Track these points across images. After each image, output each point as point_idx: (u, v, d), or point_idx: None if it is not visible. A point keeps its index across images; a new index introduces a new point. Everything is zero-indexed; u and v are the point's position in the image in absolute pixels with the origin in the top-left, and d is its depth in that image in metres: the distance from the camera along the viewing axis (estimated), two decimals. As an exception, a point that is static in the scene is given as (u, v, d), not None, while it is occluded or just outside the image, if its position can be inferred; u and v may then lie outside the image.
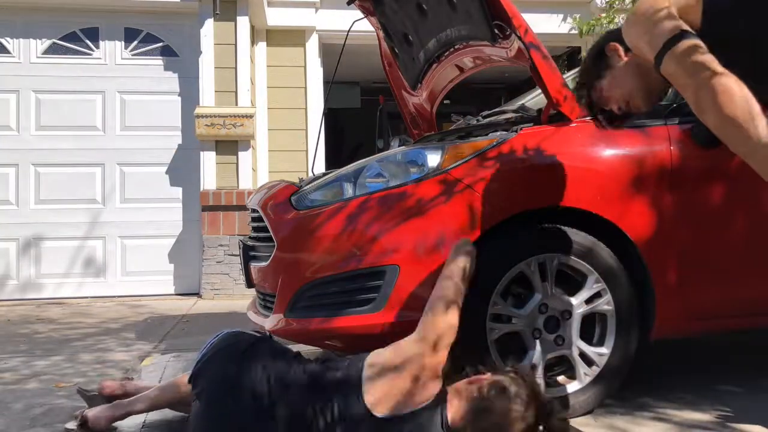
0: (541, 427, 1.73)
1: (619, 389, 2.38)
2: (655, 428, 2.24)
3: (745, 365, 3.07)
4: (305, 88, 6.56)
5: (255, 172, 6.20)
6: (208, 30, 5.80)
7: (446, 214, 2.22)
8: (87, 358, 3.46)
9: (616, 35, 1.85)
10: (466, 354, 1.96)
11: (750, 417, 2.29)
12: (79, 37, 5.94)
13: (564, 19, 6.79)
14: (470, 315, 2.06)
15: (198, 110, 5.66)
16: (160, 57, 6.01)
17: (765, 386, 2.67)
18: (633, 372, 2.38)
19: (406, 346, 1.80)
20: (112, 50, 5.96)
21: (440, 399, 1.73)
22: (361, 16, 3.33)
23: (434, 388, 1.74)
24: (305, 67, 6.57)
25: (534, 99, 3.19)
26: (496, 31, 2.55)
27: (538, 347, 2.26)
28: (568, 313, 2.28)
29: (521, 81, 8.93)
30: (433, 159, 2.31)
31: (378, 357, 1.80)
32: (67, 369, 3.24)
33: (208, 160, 5.75)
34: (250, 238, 2.90)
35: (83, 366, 3.29)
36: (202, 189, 5.72)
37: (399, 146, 3.51)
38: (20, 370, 3.23)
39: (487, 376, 1.78)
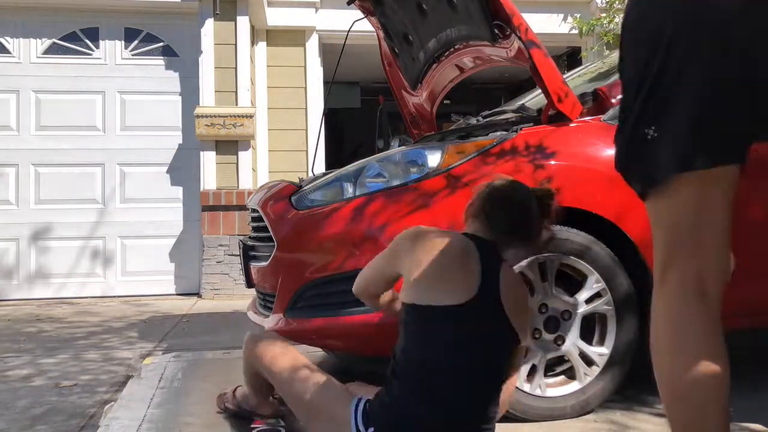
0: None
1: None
2: (654, 424, 2.25)
3: (745, 365, 3.07)
4: (305, 88, 6.56)
5: (255, 172, 6.20)
6: (208, 30, 5.80)
7: (447, 213, 2.22)
8: (90, 356, 3.46)
9: None
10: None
11: (749, 416, 2.29)
12: (79, 37, 5.94)
13: (564, 19, 6.79)
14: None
15: (198, 110, 5.66)
16: (160, 57, 6.01)
17: (765, 386, 2.68)
18: (633, 369, 2.39)
19: None
20: (112, 50, 5.96)
21: None
22: (361, 16, 3.34)
23: None
24: (305, 67, 6.57)
25: (534, 99, 3.19)
26: (496, 31, 2.55)
27: (538, 347, 2.26)
28: (568, 313, 2.28)
29: (521, 81, 8.94)
30: (433, 159, 2.31)
31: None
32: (70, 368, 3.24)
33: (208, 160, 5.75)
34: (250, 238, 2.90)
35: (88, 364, 3.30)
36: (202, 189, 5.72)
37: (399, 146, 3.50)
38: (22, 369, 3.23)
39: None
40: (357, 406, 1.70)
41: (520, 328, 1.75)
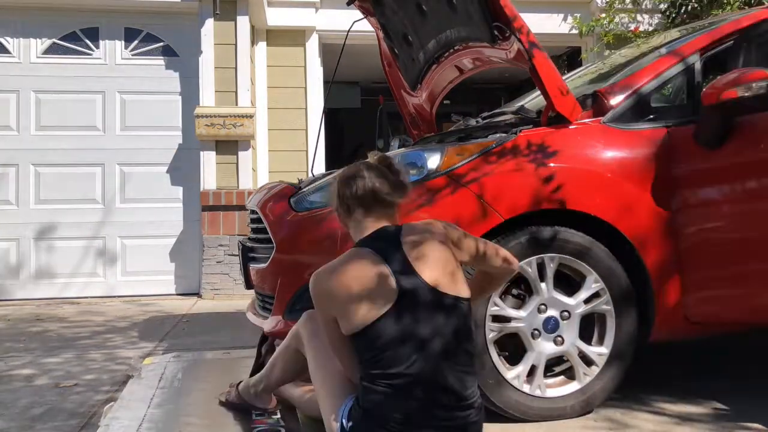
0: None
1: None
2: (654, 422, 2.27)
3: (744, 365, 3.08)
4: (305, 88, 6.56)
5: (255, 172, 6.20)
6: (208, 30, 5.80)
7: (445, 215, 2.22)
8: (91, 356, 3.47)
9: None
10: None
11: (748, 415, 2.30)
12: (79, 37, 5.93)
13: (564, 19, 6.78)
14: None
15: (198, 110, 5.66)
16: (161, 57, 6.01)
17: (763, 385, 2.68)
18: (632, 368, 2.39)
19: None
20: (112, 50, 5.96)
21: None
22: (361, 16, 3.34)
23: None
24: (305, 67, 6.57)
25: (534, 100, 3.19)
26: (496, 33, 2.56)
27: (537, 347, 2.27)
28: (567, 313, 2.29)
29: (521, 81, 8.93)
30: (433, 161, 2.32)
31: None
32: (70, 367, 3.24)
33: (208, 160, 5.75)
34: (249, 239, 2.91)
35: (89, 363, 3.31)
36: (202, 189, 5.72)
37: (399, 147, 3.51)
38: (24, 369, 3.24)
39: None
40: (348, 402, 1.78)
41: (453, 287, 1.75)
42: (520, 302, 2.29)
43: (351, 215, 1.90)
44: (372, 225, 1.87)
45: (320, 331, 1.94)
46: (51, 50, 5.90)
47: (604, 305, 2.31)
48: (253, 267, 2.65)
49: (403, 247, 1.78)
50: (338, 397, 1.82)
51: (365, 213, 1.87)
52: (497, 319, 2.25)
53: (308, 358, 2.00)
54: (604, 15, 6.50)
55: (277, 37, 6.54)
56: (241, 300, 5.19)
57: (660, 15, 6.64)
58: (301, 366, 2.09)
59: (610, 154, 2.36)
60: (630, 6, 6.58)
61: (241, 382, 2.40)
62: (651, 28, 6.52)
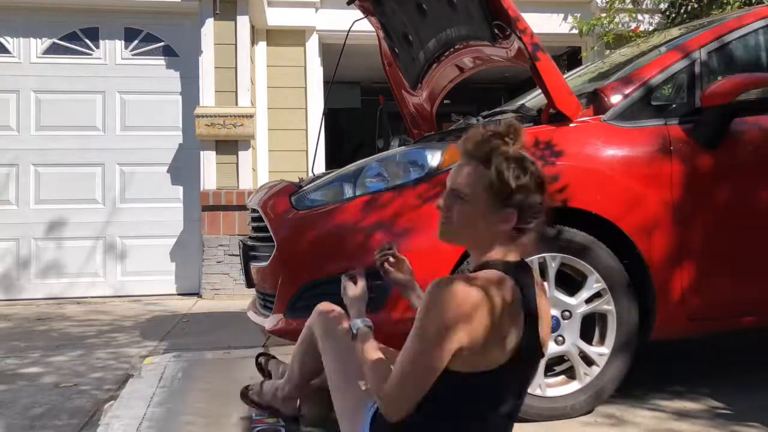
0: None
1: (618, 385, 2.39)
2: (652, 418, 2.28)
3: (743, 364, 3.08)
4: (305, 88, 6.56)
5: (255, 172, 6.20)
6: (209, 30, 5.80)
7: (446, 213, 2.22)
8: (91, 356, 3.46)
9: None
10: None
11: (748, 414, 2.30)
12: (79, 37, 5.93)
13: (564, 19, 6.79)
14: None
15: (198, 110, 5.66)
16: (161, 57, 6.01)
17: (763, 385, 2.68)
18: (632, 366, 2.39)
19: None
20: (112, 50, 5.96)
21: None
22: (361, 16, 3.34)
23: None
24: (305, 67, 6.56)
25: (534, 99, 3.19)
26: (496, 31, 2.56)
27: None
28: (568, 312, 2.29)
29: (521, 81, 8.92)
30: (434, 159, 2.31)
31: None
32: (71, 367, 3.24)
33: (208, 160, 5.75)
34: (250, 238, 2.91)
35: (95, 362, 3.30)
36: (202, 189, 5.72)
37: (399, 146, 3.50)
38: (25, 368, 3.24)
39: None
40: (369, 410, 1.64)
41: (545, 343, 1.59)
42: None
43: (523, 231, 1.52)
44: (516, 251, 1.54)
45: (332, 330, 1.87)
46: (51, 50, 5.90)
47: (606, 305, 2.31)
48: (254, 265, 2.65)
49: (536, 294, 1.52)
50: (361, 403, 1.68)
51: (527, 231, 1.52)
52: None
53: (324, 357, 1.89)
54: (604, 15, 6.50)
55: (277, 37, 6.54)
56: (241, 300, 5.19)
57: (660, 15, 6.65)
58: (318, 362, 1.95)
59: (610, 151, 2.36)
60: (630, 6, 6.58)
61: (264, 382, 2.30)
62: (651, 28, 6.52)
